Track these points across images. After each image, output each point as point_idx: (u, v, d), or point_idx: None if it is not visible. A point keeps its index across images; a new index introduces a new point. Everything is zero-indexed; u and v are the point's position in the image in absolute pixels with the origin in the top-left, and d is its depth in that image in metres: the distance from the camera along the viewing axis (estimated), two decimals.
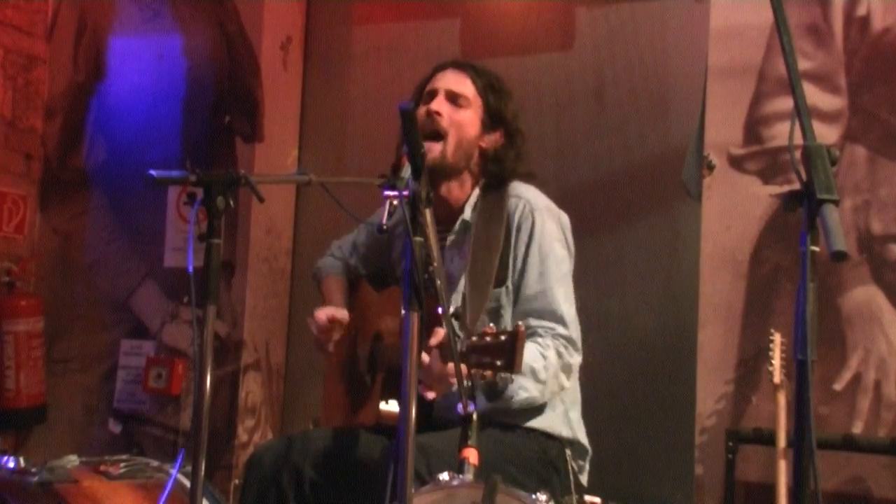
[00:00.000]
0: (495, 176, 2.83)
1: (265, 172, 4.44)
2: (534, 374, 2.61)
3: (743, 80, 3.58)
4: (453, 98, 2.79)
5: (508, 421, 2.72)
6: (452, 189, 2.83)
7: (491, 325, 2.39)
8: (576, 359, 2.72)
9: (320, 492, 2.69)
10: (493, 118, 2.82)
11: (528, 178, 2.88)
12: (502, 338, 2.28)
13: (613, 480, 3.38)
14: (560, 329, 2.69)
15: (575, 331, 2.73)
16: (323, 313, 2.80)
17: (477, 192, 2.84)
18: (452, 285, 2.77)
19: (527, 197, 2.80)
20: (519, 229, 2.75)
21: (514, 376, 2.52)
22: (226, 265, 4.34)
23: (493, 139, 2.83)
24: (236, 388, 4.38)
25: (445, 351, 2.42)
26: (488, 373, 2.33)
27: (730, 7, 3.62)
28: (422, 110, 2.76)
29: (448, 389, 2.47)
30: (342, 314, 2.82)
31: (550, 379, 2.64)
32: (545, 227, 2.76)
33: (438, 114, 2.75)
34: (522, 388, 2.61)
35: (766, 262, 3.51)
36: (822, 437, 3.15)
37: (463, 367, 2.28)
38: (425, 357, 2.43)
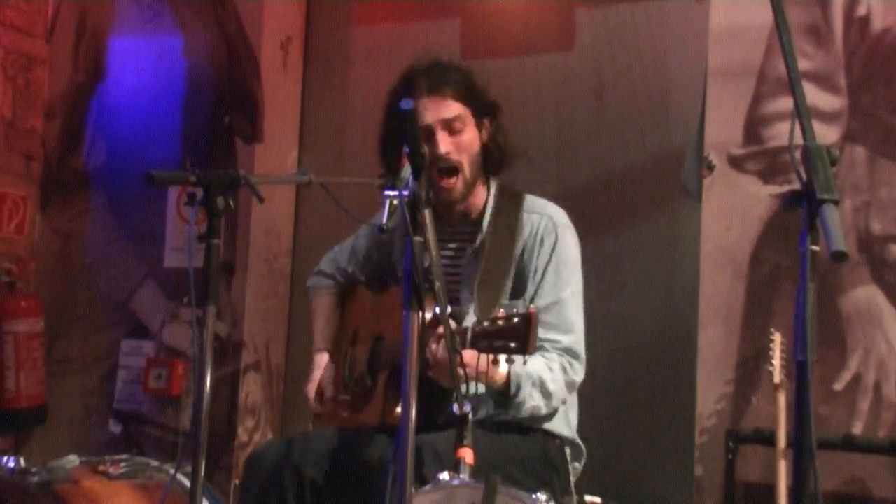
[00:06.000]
0: (499, 161, 2.85)
1: (265, 172, 4.44)
2: (542, 386, 2.63)
3: (743, 81, 3.58)
4: (449, 126, 2.75)
5: (509, 420, 2.73)
6: (470, 201, 2.85)
7: (501, 310, 2.39)
8: (579, 376, 2.74)
9: (321, 493, 2.69)
10: (479, 112, 2.82)
11: (524, 156, 2.91)
12: (515, 320, 2.29)
13: (613, 480, 3.39)
14: (566, 341, 2.71)
15: (580, 347, 2.75)
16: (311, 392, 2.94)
17: (492, 199, 2.85)
18: (465, 297, 2.78)
19: (549, 213, 2.83)
20: (542, 243, 2.77)
21: (523, 387, 2.55)
22: (226, 265, 4.34)
23: (486, 128, 2.84)
24: (236, 388, 4.38)
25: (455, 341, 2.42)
26: (500, 357, 2.32)
27: (730, 7, 3.62)
28: (428, 152, 2.72)
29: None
30: (326, 384, 2.93)
31: (557, 392, 2.67)
32: (567, 244, 2.79)
33: (448, 153, 2.74)
34: (531, 398, 2.62)
35: (766, 262, 3.51)
36: (822, 438, 3.14)
37: (461, 366, 2.28)
38: (434, 347, 2.44)
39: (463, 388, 2.36)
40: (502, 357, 2.41)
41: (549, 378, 2.63)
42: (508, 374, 2.55)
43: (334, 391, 2.92)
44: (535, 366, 2.61)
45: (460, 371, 2.45)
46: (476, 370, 2.44)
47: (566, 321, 2.71)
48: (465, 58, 4.10)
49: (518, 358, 2.31)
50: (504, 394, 2.59)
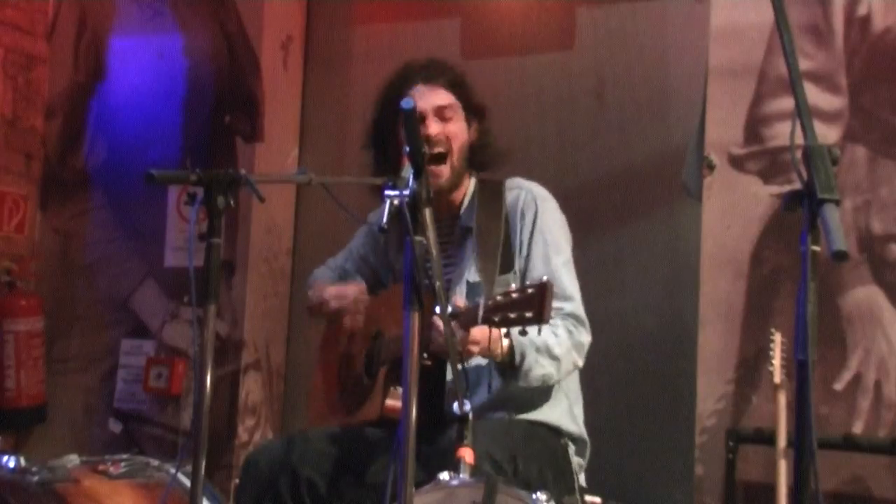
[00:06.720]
0: (485, 163, 2.90)
1: (265, 172, 4.44)
2: (548, 351, 2.62)
3: (743, 80, 3.58)
4: (440, 113, 2.81)
5: (514, 413, 2.73)
6: (454, 194, 2.88)
7: (513, 284, 2.42)
8: (585, 337, 2.74)
9: (318, 493, 2.68)
10: (470, 110, 2.87)
11: (508, 155, 2.95)
12: (530, 290, 2.30)
13: (613, 480, 3.38)
14: (568, 307, 2.72)
15: (582, 312, 2.76)
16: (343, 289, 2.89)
17: (472, 189, 2.89)
18: (457, 283, 2.80)
19: (528, 187, 2.88)
20: (523, 216, 2.81)
21: (527, 354, 2.56)
22: (226, 265, 4.34)
23: (474, 129, 2.89)
24: (236, 387, 4.38)
25: (464, 320, 2.43)
26: (514, 328, 2.34)
27: (730, 7, 3.62)
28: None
29: (469, 355, 2.52)
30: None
31: (564, 355, 2.66)
32: (548, 213, 2.83)
33: (437, 137, 2.78)
34: (538, 364, 2.61)
35: (766, 262, 3.51)
36: (822, 437, 3.13)
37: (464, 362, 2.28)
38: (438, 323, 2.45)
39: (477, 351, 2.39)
40: (503, 330, 2.42)
41: (555, 342, 2.63)
42: (510, 345, 2.56)
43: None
44: (541, 333, 2.60)
45: (473, 347, 2.49)
46: (488, 347, 2.47)
47: (563, 289, 2.72)
48: (466, 58, 4.12)
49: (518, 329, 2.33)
50: (509, 365, 2.59)
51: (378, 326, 2.88)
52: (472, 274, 2.78)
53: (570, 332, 2.69)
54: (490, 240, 2.79)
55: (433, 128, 2.78)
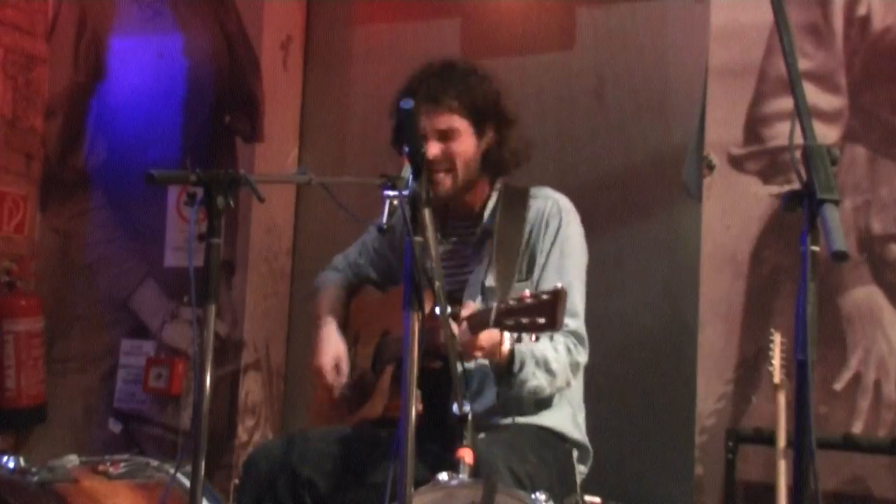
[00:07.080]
0: (503, 167, 2.87)
1: (265, 172, 4.44)
2: (546, 365, 2.62)
3: (743, 80, 3.58)
4: (444, 136, 2.77)
5: (517, 416, 2.73)
6: (470, 196, 2.87)
7: (526, 290, 2.41)
8: (583, 357, 2.75)
9: (318, 493, 2.69)
10: (481, 122, 2.83)
11: (527, 160, 2.92)
12: (544, 297, 2.30)
13: (613, 480, 3.39)
14: (572, 325, 2.71)
15: (584, 331, 2.77)
16: (327, 366, 2.84)
17: (495, 194, 2.88)
18: (473, 287, 2.80)
19: (555, 198, 2.87)
20: (547, 225, 2.80)
21: (526, 364, 2.56)
22: (226, 265, 4.35)
23: (488, 137, 2.85)
24: (236, 387, 4.38)
25: (475, 323, 2.43)
26: (528, 335, 2.34)
27: (730, 7, 3.62)
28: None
29: (472, 359, 2.52)
30: (343, 360, 2.86)
31: (560, 372, 2.66)
32: (570, 227, 2.82)
33: (437, 158, 2.76)
34: (534, 376, 2.61)
35: (766, 262, 3.51)
36: (822, 437, 3.14)
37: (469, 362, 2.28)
38: (455, 327, 2.46)
39: (465, 366, 2.39)
40: (507, 335, 2.42)
41: (553, 357, 2.63)
42: (512, 351, 2.55)
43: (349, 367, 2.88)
44: (540, 345, 2.60)
45: (477, 352, 2.49)
46: (500, 351, 2.47)
47: (572, 305, 2.71)
48: (465, 57, 4.11)
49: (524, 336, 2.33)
50: (507, 371, 2.59)
51: (387, 325, 2.89)
52: (489, 279, 2.77)
53: (569, 350, 2.70)
54: (510, 245, 2.78)
55: (433, 150, 2.74)
